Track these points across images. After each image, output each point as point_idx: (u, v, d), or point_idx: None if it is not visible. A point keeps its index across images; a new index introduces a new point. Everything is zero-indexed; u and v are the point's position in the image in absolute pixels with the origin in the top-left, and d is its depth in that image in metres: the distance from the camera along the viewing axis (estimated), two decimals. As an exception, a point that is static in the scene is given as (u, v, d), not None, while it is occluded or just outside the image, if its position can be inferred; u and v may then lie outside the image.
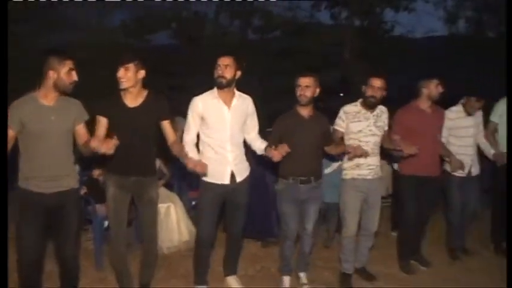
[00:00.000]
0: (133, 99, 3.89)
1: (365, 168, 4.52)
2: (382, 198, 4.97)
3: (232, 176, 4.16)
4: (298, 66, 12.96)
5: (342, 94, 13.08)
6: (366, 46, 14.82)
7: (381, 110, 4.60)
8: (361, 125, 4.48)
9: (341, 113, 4.56)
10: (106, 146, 3.35)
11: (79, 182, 3.88)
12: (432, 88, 4.78)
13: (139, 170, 4.00)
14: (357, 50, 14.54)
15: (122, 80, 3.78)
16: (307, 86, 4.18)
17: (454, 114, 5.23)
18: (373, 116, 4.51)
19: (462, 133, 5.24)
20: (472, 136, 5.30)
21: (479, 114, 5.38)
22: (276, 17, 15.00)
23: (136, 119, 3.86)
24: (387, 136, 4.63)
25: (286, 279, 4.62)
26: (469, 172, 5.28)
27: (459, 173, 5.21)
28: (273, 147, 3.98)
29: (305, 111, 4.30)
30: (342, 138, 4.57)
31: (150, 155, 4.12)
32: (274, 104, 9.16)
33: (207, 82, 4.23)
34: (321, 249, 5.58)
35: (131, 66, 3.77)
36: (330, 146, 4.44)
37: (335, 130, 4.58)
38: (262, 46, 15.04)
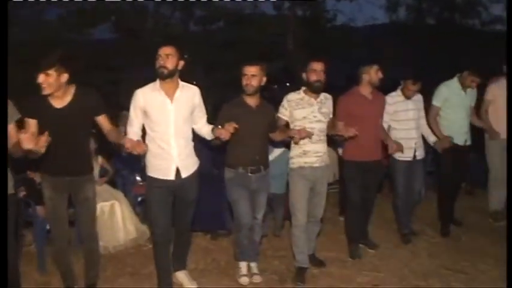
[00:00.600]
0: (59, 99, 3.71)
1: (312, 156, 4.45)
2: (330, 184, 5.00)
3: (178, 171, 3.97)
4: (243, 57, 12.97)
5: (287, 84, 13.11)
6: (309, 35, 14.93)
7: (325, 96, 4.55)
8: (305, 112, 4.40)
9: (284, 102, 4.50)
10: (36, 144, 3.17)
11: (15, 185, 3.69)
12: (372, 74, 4.77)
13: (73, 170, 3.86)
14: (300, 40, 14.61)
15: (43, 85, 3.57)
16: (253, 75, 4.11)
17: (393, 99, 5.22)
18: (318, 102, 4.44)
19: (402, 116, 5.24)
20: (413, 119, 5.29)
21: (419, 98, 5.38)
22: (218, 8, 14.83)
23: (64, 120, 3.69)
24: (331, 122, 4.58)
25: (244, 266, 4.53)
26: (414, 156, 5.30)
27: (404, 157, 5.24)
28: (219, 127, 3.91)
29: (252, 101, 4.23)
30: (287, 126, 4.50)
31: (83, 153, 3.98)
32: (219, 95, 9.07)
33: (148, 75, 4.06)
34: (270, 238, 5.53)
35: (52, 71, 3.56)
36: (275, 133, 4.42)
37: (279, 118, 4.50)
38: (205, 37, 14.90)
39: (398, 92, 5.28)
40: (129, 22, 14.52)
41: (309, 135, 4.21)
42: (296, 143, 4.38)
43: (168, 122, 3.89)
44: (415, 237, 5.56)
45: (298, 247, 4.53)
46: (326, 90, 4.55)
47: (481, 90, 5.89)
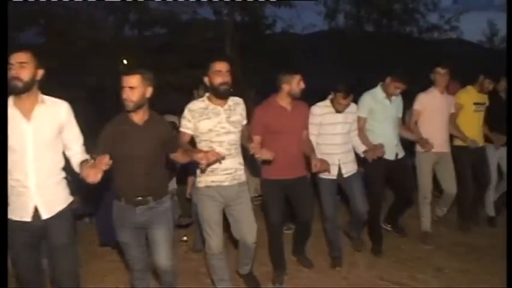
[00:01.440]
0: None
1: (221, 174, 3.87)
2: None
3: (36, 210, 3.11)
4: (180, 62, 12.64)
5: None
6: (248, 41, 14.76)
7: (234, 101, 3.96)
8: (211, 123, 3.80)
9: (186, 112, 3.85)
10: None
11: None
12: (294, 84, 4.25)
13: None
14: (238, 45, 14.40)
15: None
16: (131, 88, 3.29)
17: (320, 110, 4.69)
18: (225, 110, 3.86)
19: (329, 130, 4.70)
20: (341, 134, 4.73)
21: (352, 110, 4.82)
22: (154, 13, 14.40)
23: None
24: (245, 131, 4.07)
25: None
26: (340, 173, 4.76)
27: (328, 175, 4.73)
28: (91, 162, 3.04)
29: (137, 117, 3.39)
30: (192, 141, 3.93)
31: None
32: (158, 102, 8.59)
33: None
34: (204, 253, 4.99)
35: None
36: (176, 154, 3.67)
37: (182, 133, 3.88)
38: (141, 42, 14.43)
39: (327, 102, 4.74)
40: (58, 26, 13.78)
41: (218, 158, 3.57)
42: (203, 171, 3.80)
43: (23, 148, 3.05)
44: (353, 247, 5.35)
45: (216, 275, 4.08)
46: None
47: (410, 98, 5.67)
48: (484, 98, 5.84)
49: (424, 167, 5.49)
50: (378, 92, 5.12)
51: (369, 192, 5.06)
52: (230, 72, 3.78)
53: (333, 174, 4.73)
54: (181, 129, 3.89)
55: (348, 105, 4.68)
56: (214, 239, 3.90)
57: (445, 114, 5.51)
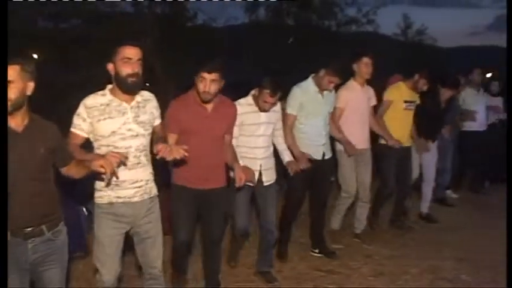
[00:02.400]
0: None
1: (129, 187, 3.07)
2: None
3: None
4: (97, 56, 12.19)
5: (146, 84, 12.52)
6: (169, 34, 14.51)
7: (144, 97, 3.14)
8: (114, 124, 2.97)
9: (81, 109, 2.96)
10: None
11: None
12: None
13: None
14: (159, 39, 14.12)
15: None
16: (10, 81, 2.44)
17: (242, 108, 4.05)
18: (133, 108, 3.04)
19: (251, 131, 4.14)
20: (264, 135, 4.21)
21: (276, 109, 4.32)
22: (71, 4, 13.79)
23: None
24: (161, 132, 3.30)
25: None
26: (260, 180, 4.21)
27: (247, 183, 3.97)
28: None
29: (14, 121, 2.52)
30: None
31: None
32: (73, 97, 8.20)
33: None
34: None
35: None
36: (68, 167, 2.77)
37: (72, 135, 2.99)
38: (57, 34, 13.77)
39: (250, 100, 4.18)
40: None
41: (121, 159, 2.77)
42: (108, 184, 2.97)
43: None
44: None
45: None
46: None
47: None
48: (415, 96, 5.60)
49: (348, 164, 5.16)
50: (309, 85, 4.68)
51: (289, 193, 4.86)
52: (142, 62, 2.98)
53: (253, 181, 4.07)
54: (73, 129, 2.99)
55: (274, 104, 4.14)
56: (109, 270, 3.11)
57: (366, 108, 5.22)
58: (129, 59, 2.92)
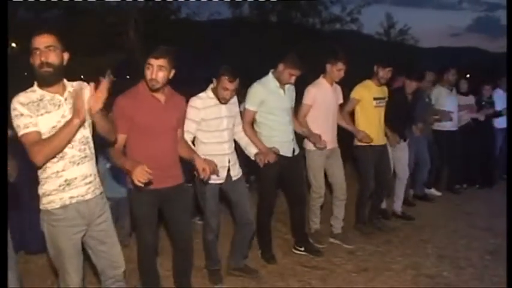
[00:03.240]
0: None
1: (80, 184, 2.88)
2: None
3: None
4: (78, 48, 12.03)
5: (127, 76, 12.39)
6: (152, 27, 14.40)
7: (76, 86, 2.89)
8: (52, 118, 2.75)
9: (18, 108, 2.67)
10: None
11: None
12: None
13: None
14: (142, 31, 14.01)
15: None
16: None
17: (203, 102, 3.99)
18: (66, 99, 2.83)
19: (215, 126, 4.05)
20: (228, 129, 4.15)
21: (234, 101, 4.24)
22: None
23: None
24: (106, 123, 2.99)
25: None
26: (229, 176, 4.19)
27: (215, 179, 4.01)
28: None
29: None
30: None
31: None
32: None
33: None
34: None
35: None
36: None
37: (30, 136, 2.68)
38: (36, 25, 13.54)
39: (209, 93, 4.06)
40: None
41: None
42: (63, 186, 2.83)
43: None
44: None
45: None
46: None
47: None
48: (384, 92, 5.58)
49: (317, 164, 5.10)
50: (269, 80, 4.59)
51: (261, 193, 4.76)
52: (57, 48, 2.71)
53: (221, 177, 4.08)
54: (24, 131, 2.65)
55: (234, 91, 4.02)
56: (74, 275, 2.90)
57: (334, 107, 5.17)
58: (36, 49, 2.68)
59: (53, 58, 2.70)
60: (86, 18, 13.39)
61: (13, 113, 2.67)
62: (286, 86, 4.62)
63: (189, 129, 3.91)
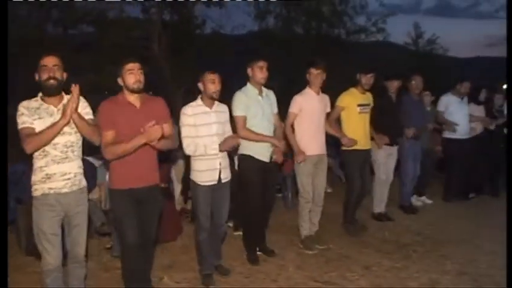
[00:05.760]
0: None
1: (59, 179, 3.47)
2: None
3: None
4: (105, 61, 12.17)
5: (150, 92, 12.46)
6: (177, 41, 14.47)
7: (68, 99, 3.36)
8: (43, 123, 3.37)
9: (21, 109, 3.38)
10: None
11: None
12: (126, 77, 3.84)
13: None
14: (167, 45, 14.09)
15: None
16: None
17: (192, 110, 4.28)
18: (59, 110, 3.42)
19: (205, 131, 4.26)
20: (217, 134, 4.30)
21: (223, 109, 4.49)
22: (79, 10, 13.78)
23: None
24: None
25: None
26: (219, 179, 4.36)
27: (207, 181, 4.32)
28: None
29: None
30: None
31: None
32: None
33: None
34: None
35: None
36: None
37: (27, 130, 3.37)
38: (65, 40, 13.79)
39: (199, 101, 4.35)
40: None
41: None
42: (45, 179, 3.46)
43: None
44: (282, 249, 5.27)
45: None
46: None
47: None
48: (368, 99, 5.81)
49: (304, 170, 5.22)
50: (249, 89, 4.81)
51: (244, 198, 4.83)
52: (60, 67, 3.42)
53: (212, 179, 4.33)
54: (23, 125, 3.34)
55: (219, 84, 4.28)
56: (52, 253, 3.45)
57: (321, 115, 5.32)
58: (45, 66, 3.39)
59: (58, 74, 3.42)
60: (112, 33, 13.50)
61: (17, 113, 3.37)
62: (265, 93, 4.87)
63: (188, 134, 4.26)
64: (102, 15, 14.14)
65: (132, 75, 3.64)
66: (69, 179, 3.52)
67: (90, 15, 13.87)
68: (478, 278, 4.55)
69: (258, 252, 5.03)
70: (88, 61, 12.24)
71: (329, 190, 7.33)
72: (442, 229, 6.04)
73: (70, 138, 3.50)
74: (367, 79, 5.64)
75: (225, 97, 4.59)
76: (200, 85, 4.31)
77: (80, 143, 3.62)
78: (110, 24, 13.87)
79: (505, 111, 7.56)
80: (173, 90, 13.64)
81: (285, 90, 5.02)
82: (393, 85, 6.14)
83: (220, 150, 4.29)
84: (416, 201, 7.15)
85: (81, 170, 3.65)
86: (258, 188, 4.79)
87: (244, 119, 4.71)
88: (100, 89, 11.35)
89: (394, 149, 6.28)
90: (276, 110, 5.05)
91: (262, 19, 17.71)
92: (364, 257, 5.07)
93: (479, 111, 7.34)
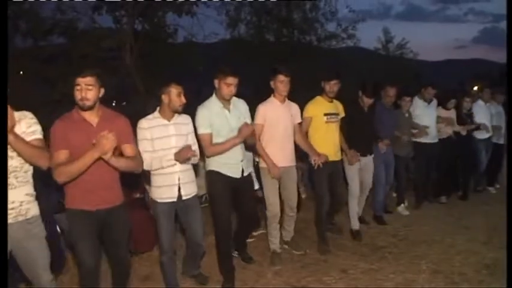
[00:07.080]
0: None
1: (9, 209, 3.09)
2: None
3: None
4: (74, 72, 12.07)
5: (124, 103, 12.40)
6: (149, 51, 14.40)
7: (24, 115, 3.20)
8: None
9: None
10: None
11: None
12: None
13: None
14: (139, 55, 14.01)
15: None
16: None
17: (148, 123, 4.02)
18: (18, 121, 3.09)
19: (162, 145, 4.00)
20: (177, 147, 4.01)
21: (183, 121, 4.19)
22: (47, 20, 13.61)
23: None
24: (40, 143, 3.24)
25: None
26: (179, 196, 4.11)
27: (166, 198, 4.08)
28: None
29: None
30: None
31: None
32: (50, 113, 7.97)
33: None
34: None
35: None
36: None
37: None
38: (35, 53, 13.58)
39: (156, 113, 4.10)
40: None
41: None
42: None
43: None
44: (261, 255, 5.27)
45: None
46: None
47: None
48: (336, 108, 5.51)
49: (270, 182, 4.98)
50: (212, 102, 4.43)
51: (216, 218, 4.53)
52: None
53: (172, 196, 4.07)
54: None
55: (183, 103, 4.04)
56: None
57: (288, 125, 5.01)
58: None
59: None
60: (82, 44, 13.35)
61: None
62: (232, 106, 4.47)
63: (146, 148, 3.93)
64: (72, 26, 14.02)
65: (78, 92, 3.30)
66: (12, 208, 3.11)
67: (58, 26, 13.72)
68: (451, 276, 4.64)
69: (237, 256, 5.02)
70: (58, 72, 12.07)
71: (303, 196, 7.31)
72: (416, 230, 6.12)
73: (13, 163, 3.10)
74: (330, 86, 5.31)
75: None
76: (164, 97, 4.00)
77: (27, 166, 3.22)
78: (80, 35, 13.76)
79: (475, 116, 7.69)
80: (146, 101, 13.56)
81: (254, 100, 4.82)
82: (367, 101, 5.78)
83: (179, 161, 4.01)
84: (403, 210, 7.02)
85: (29, 198, 3.25)
86: (226, 205, 4.48)
87: (210, 136, 4.34)
88: (70, 101, 11.26)
89: (369, 159, 6.03)
90: (249, 120, 4.61)
91: (234, 27, 17.79)
92: (341, 260, 5.11)
93: (448, 115, 7.40)
